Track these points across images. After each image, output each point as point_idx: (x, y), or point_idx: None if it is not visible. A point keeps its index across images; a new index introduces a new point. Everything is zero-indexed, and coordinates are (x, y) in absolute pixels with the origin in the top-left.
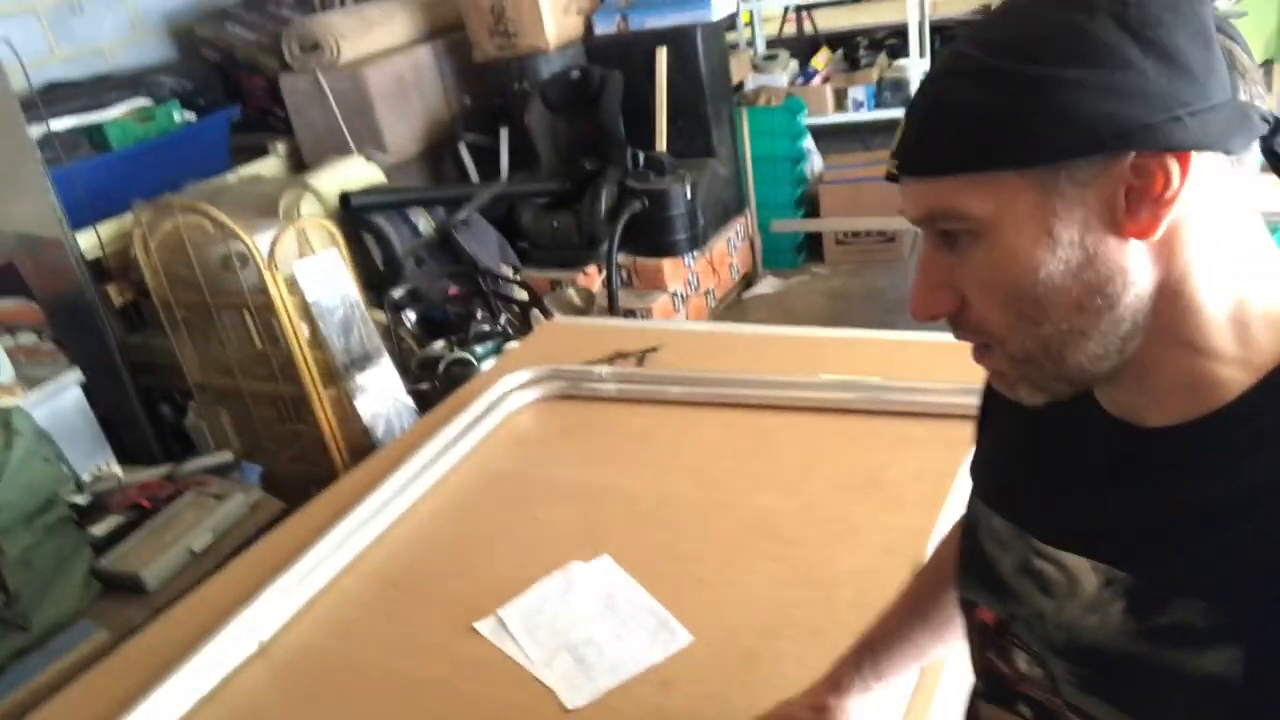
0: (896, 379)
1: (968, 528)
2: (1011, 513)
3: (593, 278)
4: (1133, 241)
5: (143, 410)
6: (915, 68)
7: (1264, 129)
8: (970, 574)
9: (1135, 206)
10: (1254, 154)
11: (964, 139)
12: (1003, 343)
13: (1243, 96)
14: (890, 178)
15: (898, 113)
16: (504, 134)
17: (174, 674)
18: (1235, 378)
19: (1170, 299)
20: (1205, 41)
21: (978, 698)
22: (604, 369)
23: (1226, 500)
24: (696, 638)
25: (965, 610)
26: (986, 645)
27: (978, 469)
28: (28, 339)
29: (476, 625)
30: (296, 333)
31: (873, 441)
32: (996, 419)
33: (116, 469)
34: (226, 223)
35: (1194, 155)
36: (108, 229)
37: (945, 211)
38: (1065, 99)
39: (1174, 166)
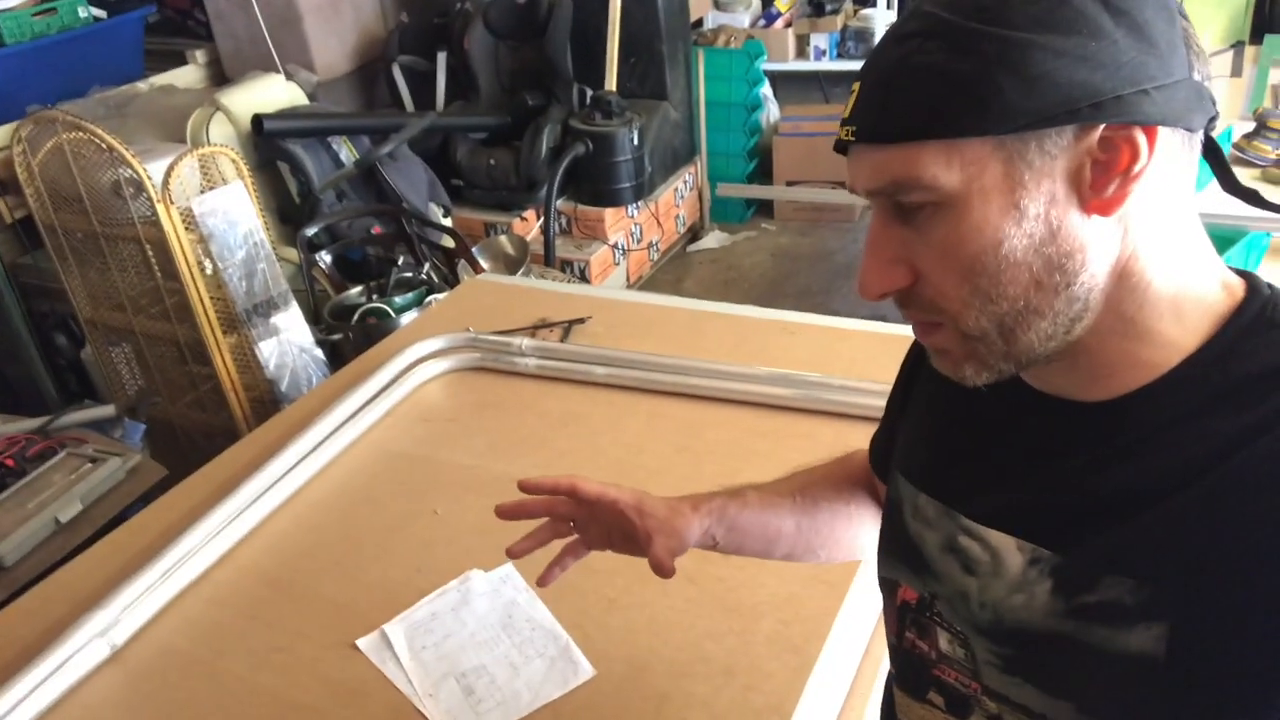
0: (836, 375)
1: (890, 508)
2: (938, 491)
3: (529, 223)
4: (1094, 218)
5: (34, 340)
6: (882, 19)
7: (1213, 111)
8: (892, 553)
9: (1101, 181)
10: (1200, 135)
11: (933, 104)
12: (955, 319)
13: (1197, 76)
14: (840, 149)
15: (860, 64)
16: (442, 58)
17: (12, 684)
18: (1165, 359)
19: (1120, 279)
20: (1169, 16)
21: (892, 684)
22: (525, 341)
23: (1154, 478)
24: (599, 670)
25: (885, 590)
26: (907, 625)
27: (901, 450)
28: None
29: (359, 643)
30: (193, 272)
31: (808, 444)
32: (921, 396)
33: None
34: (115, 146)
35: (1159, 131)
36: None
37: (909, 182)
38: (1040, 65)
39: (1142, 141)
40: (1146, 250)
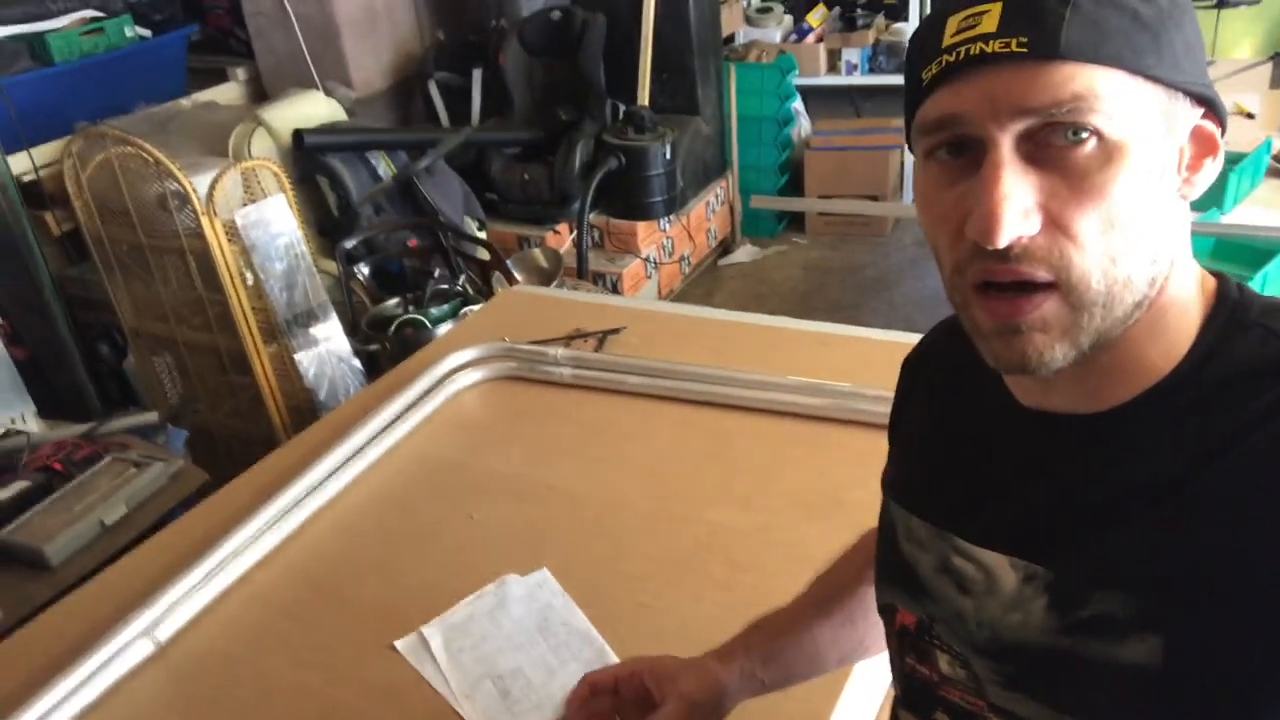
0: (868, 385)
1: (884, 533)
2: (929, 513)
3: (563, 236)
4: (1178, 200)
5: (79, 350)
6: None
7: None
8: (888, 578)
9: (1194, 163)
10: None
11: (1125, 32)
12: (1081, 279)
13: None
14: (973, 60)
15: (892, 78)
16: (477, 75)
17: (59, 679)
18: (1165, 363)
19: (1169, 273)
20: None
21: (898, 706)
22: (560, 351)
23: (1142, 488)
24: None
25: (885, 616)
26: (906, 649)
27: (895, 473)
28: None
29: (398, 644)
30: (235, 283)
31: (840, 454)
32: (911, 420)
33: (32, 424)
34: (162, 160)
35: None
36: (45, 151)
37: (1090, 101)
38: (1190, 35)
39: (1218, 135)
40: (1184, 247)
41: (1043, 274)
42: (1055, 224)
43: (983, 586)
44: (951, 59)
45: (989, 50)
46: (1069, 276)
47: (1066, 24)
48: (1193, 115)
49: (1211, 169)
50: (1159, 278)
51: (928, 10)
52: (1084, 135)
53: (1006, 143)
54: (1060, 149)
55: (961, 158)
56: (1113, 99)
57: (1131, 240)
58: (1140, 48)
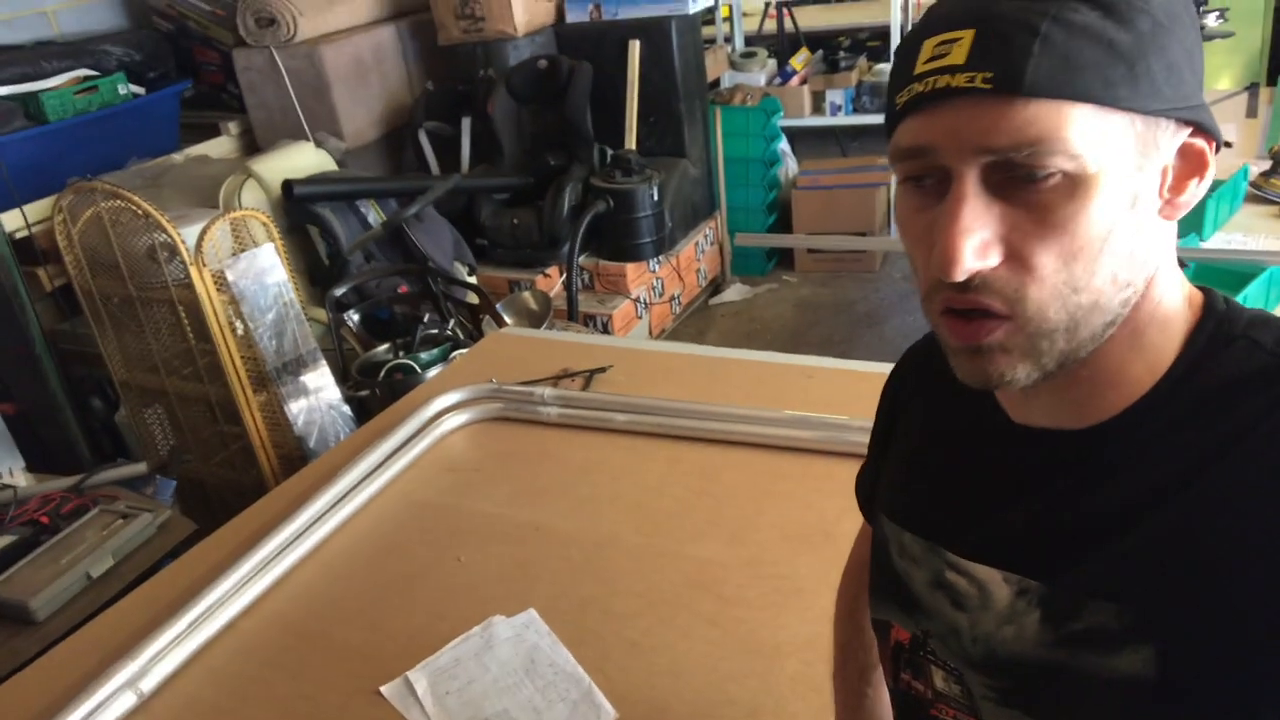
0: (855, 416)
1: (877, 549)
2: (922, 528)
3: (553, 279)
4: (1159, 221)
5: (70, 403)
6: None
7: None
8: (882, 595)
9: (1179, 185)
10: None
11: (1095, 65)
12: (1038, 310)
13: None
14: (920, 102)
15: (876, 118)
16: (466, 123)
17: None
18: (1149, 377)
19: (1148, 288)
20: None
21: None
22: (547, 391)
23: (1132, 501)
24: (621, 713)
25: (880, 632)
26: (902, 666)
27: (885, 490)
28: None
29: (383, 690)
30: (225, 333)
31: (828, 486)
32: (902, 436)
33: (20, 478)
34: (151, 212)
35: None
36: (38, 208)
37: (1054, 143)
38: (1175, 55)
39: (1208, 152)
40: (1165, 263)
41: (998, 305)
42: (1016, 257)
43: (976, 601)
44: (921, 89)
45: (954, 84)
46: (1023, 309)
47: (1034, 59)
48: (1179, 135)
49: (1196, 190)
50: (1133, 297)
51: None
52: (1047, 175)
53: (971, 176)
54: (1022, 182)
55: (932, 185)
56: (1080, 135)
57: (1096, 270)
58: (1113, 79)
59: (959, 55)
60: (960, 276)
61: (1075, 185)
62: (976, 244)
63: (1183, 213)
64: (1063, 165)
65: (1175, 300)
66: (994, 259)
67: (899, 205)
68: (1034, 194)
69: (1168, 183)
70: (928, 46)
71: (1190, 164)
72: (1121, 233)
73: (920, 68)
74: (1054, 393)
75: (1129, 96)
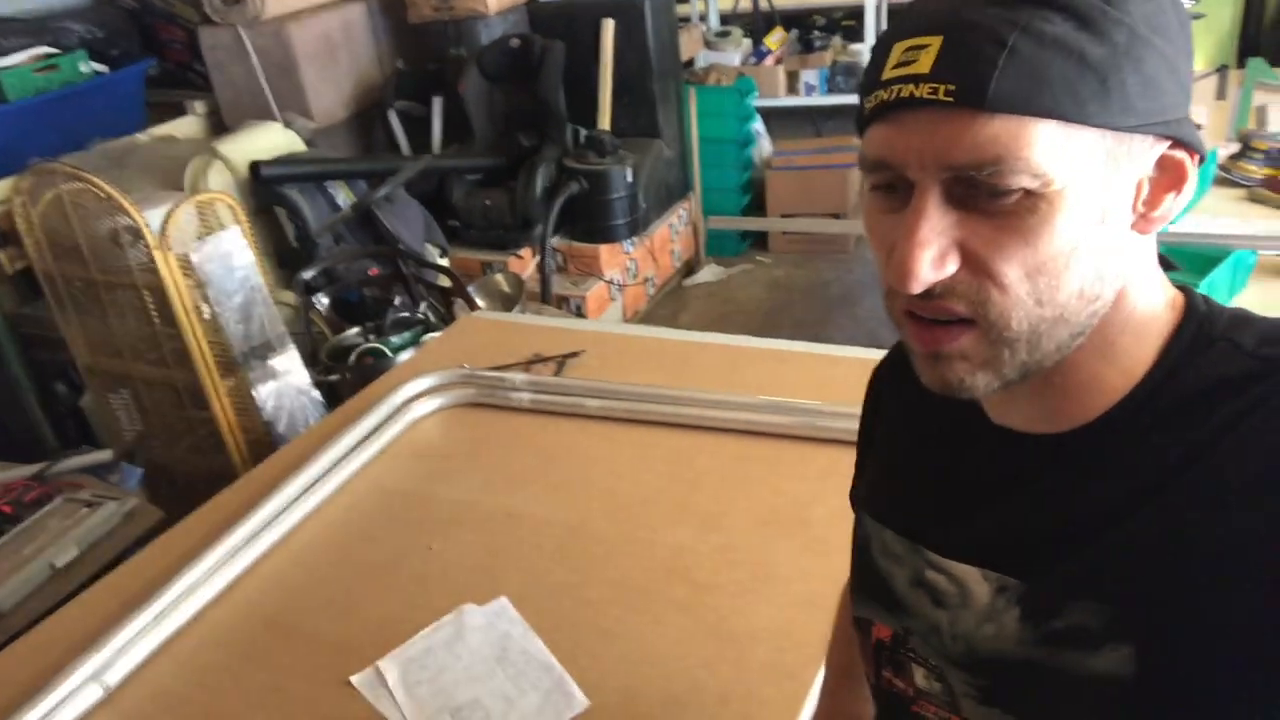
0: (828, 401)
1: (859, 547)
2: (903, 526)
3: (526, 261)
4: (1131, 234)
5: (34, 388)
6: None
7: None
8: (864, 592)
9: (1155, 198)
10: None
11: (1064, 79)
12: (1000, 320)
13: None
14: (887, 109)
15: (851, 98)
16: (437, 103)
17: None
18: (1125, 383)
19: (1118, 299)
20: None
21: None
22: (519, 376)
23: (1111, 503)
24: (593, 702)
25: (861, 630)
26: (883, 663)
27: (867, 487)
28: None
29: (353, 680)
30: (191, 317)
31: (801, 470)
32: (883, 434)
33: None
34: (114, 195)
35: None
36: None
37: (1017, 161)
38: (1153, 67)
39: (1189, 165)
40: (1139, 273)
41: (962, 309)
42: (978, 265)
43: (956, 599)
44: (886, 96)
45: (918, 94)
46: (987, 314)
47: (999, 72)
48: (1157, 148)
49: (1174, 204)
50: (1101, 309)
51: (884, 28)
52: (1009, 191)
53: (933, 189)
54: (986, 195)
55: (896, 192)
56: (1044, 153)
57: (1060, 285)
58: (1082, 95)
59: (925, 63)
60: (917, 289)
61: (1039, 202)
62: (934, 255)
63: (1158, 227)
64: (1025, 184)
65: (1152, 305)
66: (951, 267)
67: (866, 206)
68: (996, 209)
69: (1143, 196)
70: (897, 50)
71: (1169, 177)
72: (1088, 248)
73: (887, 73)
74: (1029, 397)
75: (1099, 112)
